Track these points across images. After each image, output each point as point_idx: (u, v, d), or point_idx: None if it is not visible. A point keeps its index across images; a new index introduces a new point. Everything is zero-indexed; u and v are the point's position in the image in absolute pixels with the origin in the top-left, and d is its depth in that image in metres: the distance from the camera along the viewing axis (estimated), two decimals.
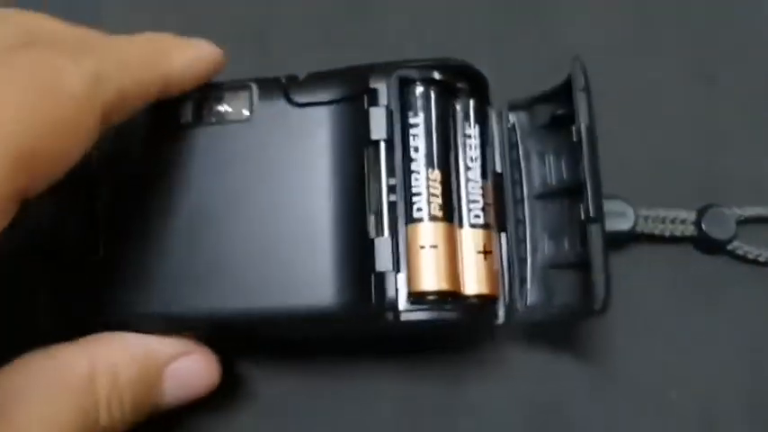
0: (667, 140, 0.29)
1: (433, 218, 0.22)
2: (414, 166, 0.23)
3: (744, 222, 0.28)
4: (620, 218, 0.27)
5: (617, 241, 0.27)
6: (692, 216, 0.28)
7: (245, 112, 0.24)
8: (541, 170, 0.25)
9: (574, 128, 0.22)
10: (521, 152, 0.25)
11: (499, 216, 0.24)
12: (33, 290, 0.24)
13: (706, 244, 0.28)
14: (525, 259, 0.25)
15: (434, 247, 0.22)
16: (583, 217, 0.22)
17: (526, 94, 0.26)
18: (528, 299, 0.24)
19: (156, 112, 0.23)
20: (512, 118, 0.26)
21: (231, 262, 0.23)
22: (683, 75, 0.30)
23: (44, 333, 0.23)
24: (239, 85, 0.24)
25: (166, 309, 0.23)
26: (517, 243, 0.25)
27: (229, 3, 0.31)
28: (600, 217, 0.21)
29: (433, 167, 0.23)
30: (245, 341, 0.27)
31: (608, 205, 0.25)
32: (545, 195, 0.25)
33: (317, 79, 0.24)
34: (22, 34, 0.20)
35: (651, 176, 0.29)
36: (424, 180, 0.23)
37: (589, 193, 0.22)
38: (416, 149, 0.23)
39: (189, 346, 0.23)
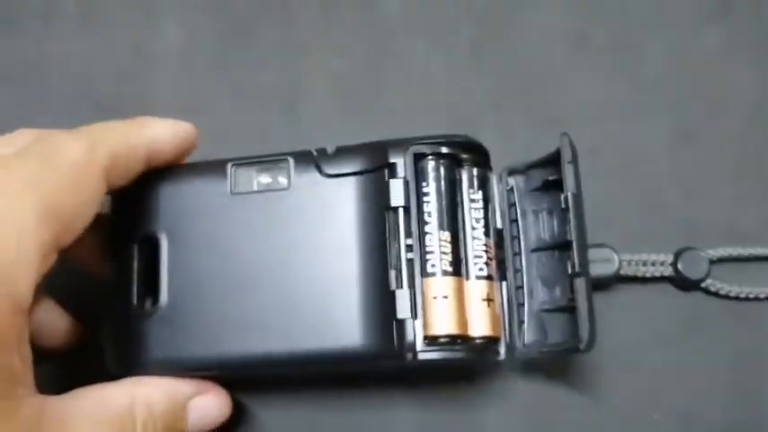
0: (650, 191, 0.33)
1: (444, 272, 0.27)
2: (427, 229, 0.27)
3: (716, 262, 0.31)
4: (606, 263, 0.31)
5: (603, 284, 0.31)
6: (669, 258, 0.31)
7: (284, 183, 0.28)
8: (536, 227, 0.29)
9: (562, 196, 0.26)
10: (518, 211, 0.30)
11: (500, 267, 0.29)
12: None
13: (682, 283, 0.31)
14: (523, 304, 0.29)
15: (446, 297, 0.26)
16: (570, 271, 0.26)
17: (525, 151, 0.30)
18: (525, 338, 0.28)
19: (209, 182, 0.28)
20: (510, 181, 0.30)
21: (273, 311, 0.27)
22: (665, 132, 0.33)
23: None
24: (278, 159, 0.28)
25: (219, 353, 0.27)
26: (515, 290, 0.29)
27: (260, 75, 0.35)
28: (585, 272, 0.26)
29: (444, 229, 0.27)
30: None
31: (595, 253, 0.29)
32: (539, 249, 0.29)
33: (344, 153, 0.28)
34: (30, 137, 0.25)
35: (634, 224, 0.32)
36: (437, 240, 0.27)
37: (575, 251, 0.26)
38: (429, 214, 0.27)
39: (206, 385, 0.27)
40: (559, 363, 0.31)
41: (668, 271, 0.31)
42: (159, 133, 0.28)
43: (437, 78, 0.35)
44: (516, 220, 0.30)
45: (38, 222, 0.22)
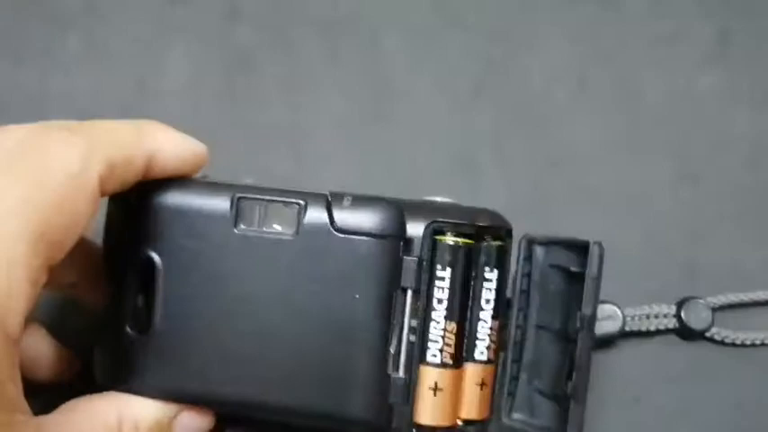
0: (651, 234, 0.33)
1: (443, 365, 0.26)
2: (434, 316, 0.26)
3: (720, 309, 0.31)
4: (610, 320, 0.31)
5: (607, 341, 0.31)
6: (672, 310, 0.31)
7: (292, 230, 0.26)
8: (545, 304, 0.28)
9: (579, 314, 0.25)
10: (531, 283, 0.28)
11: (502, 335, 0.28)
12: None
13: (686, 333, 0.31)
14: (516, 378, 0.29)
15: (441, 390, 0.26)
16: (568, 392, 0.25)
17: (527, 191, 0.31)
18: (512, 413, 0.29)
19: (213, 211, 0.26)
20: (528, 250, 0.28)
21: (268, 359, 0.26)
22: (666, 173, 0.33)
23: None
24: (289, 201, 0.26)
25: (208, 390, 0.27)
26: (512, 362, 0.28)
27: (263, 111, 0.34)
28: (582, 399, 0.25)
29: (451, 320, 0.26)
30: None
31: (601, 310, 0.29)
32: (542, 328, 0.28)
33: (361, 207, 0.26)
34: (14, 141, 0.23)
35: (636, 269, 0.32)
36: (441, 331, 0.26)
37: (576, 377, 0.25)
38: (439, 301, 0.26)
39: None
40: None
41: (672, 323, 0.31)
42: (163, 146, 0.26)
43: (439, 117, 0.35)
44: (528, 292, 0.28)
45: (27, 249, 0.21)
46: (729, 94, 0.34)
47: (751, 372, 0.31)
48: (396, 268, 0.26)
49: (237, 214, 0.26)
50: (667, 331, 0.31)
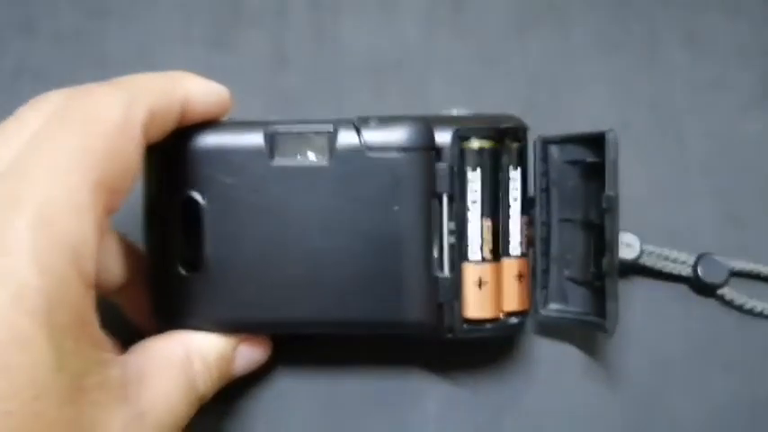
0: None
1: (484, 259, 0.28)
2: (470, 216, 0.28)
3: (736, 275, 0.32)
4: (628, 248, 0.31)
5: (622, 268, 0.30)
6: (691, 259, 0.31)
7: (326, 157, 0.28)
8: (565, 198, 0.30)
9: (604, 195, 0.27)
10: (549, 181, 0.30)
11: (530, 233, 0.30)
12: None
13: (699, 286, 0.32)
14: (547, 270, 0.31)
15: (485, 284, 0.28)
16: (604, 270, 0.28)
17: None
18: (547, 302, 0.31)
19: (248, 147, 0.27)
20: (544, 150, 0.30)
21: (317, 278, 0.28)
22: (711, 217, 0.33)
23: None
24: (319, 131, 0.28)
25: (260, 316, 0.28)
26: (541, 257, 0.31)
27: None
28: (614, 273, 0.27)
29: (486, 216, 0.28)
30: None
31: (620, 236, 0.29)
32: (566, 221, 0.30)
33: (388, 125, 0.27)
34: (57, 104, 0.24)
35: None
36: (478, 228, 0.28)
37: (609, 253, 0.27)
38: (473, 202, 0.28)
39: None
40: (575, 345, 0.32)
41: (687, 271, 0.31)
42: (193, 91, 0.27)
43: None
44: (547, 189, 0.30)
45: (91, 197, 0.22)
46: None
47: (753, 339, 0.32)
48: (429, 177, 0.27)
49: (272, 148, 0.28)
50: (681, 279, 0.32)
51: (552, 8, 0.35)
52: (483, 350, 0.31)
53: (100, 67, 0.35)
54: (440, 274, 0.28)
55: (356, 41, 0.35)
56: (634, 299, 0.32)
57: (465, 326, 0.28)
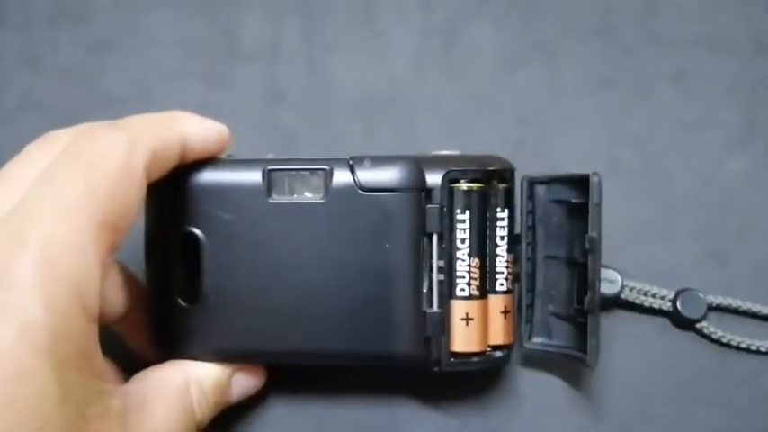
0: None
1: (471, 296, 0.29)
2: (459, 255, 0.29)
3: (715, 309, 0.33)
4: (610, 284, 0.32)
5: (604, 303, 0.31)
6: (670, 294, 0.33)
7: (321, 195, 0.29)
8: (551, 236, 0.32)
9: (587, 237, 0.29)
10: (535, 219, 0.32)
11: (515, 270, 0.31)
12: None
13: (679, 320, 0.33)
14: (532, 305, 0.32)
15: (471, 319, 0.29)
16: (585, 307, 0.29)
17: None
18: (532, 336, 0.32)
19: (245, 184, 0.29)
20: (531, 189, 0.32)
21: (310, 311, 0.29)
22: (694, 255, 0.34)
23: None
24: (315, 168, 0.29)
25: (255, 346, 0.29)
26: (526, 292, 0.32)
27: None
28: (596, 311, 0.28)
29: (474, 256, 0.29)
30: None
31: (602, 272, 0.30)
32: (551, 257, 0.32)
33: (381, 166, 0.29)
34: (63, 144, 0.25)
35: None
36: (467, 267, 0.29)
37: (590, 291, 0.28)
38: (462, 241, 0.29)
39: None
40: (559, 376, 0.33)
41: (666, 306, 0.32)
42: (193, 131, 0.28)
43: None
44: (533, 227, 0.32)
45: (95, 236, 0.23)
46: (755, 176, 0.34)
47: (732, 372, 0.33)
48: (420, 217, 0.29)
49: (269, 185, 0.29)
50: (662, 313, 0.33)
51: (541, 47, 0.36)
52: (469, 382, 0.32)
53: (101, 102, 0.36)
54: (428, 310, 0.29)
55: (348, 78, 0.36)
56: (616, 332, 0.33)
57: (452, 359, 0.29)
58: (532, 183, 0.32)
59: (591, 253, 0.28)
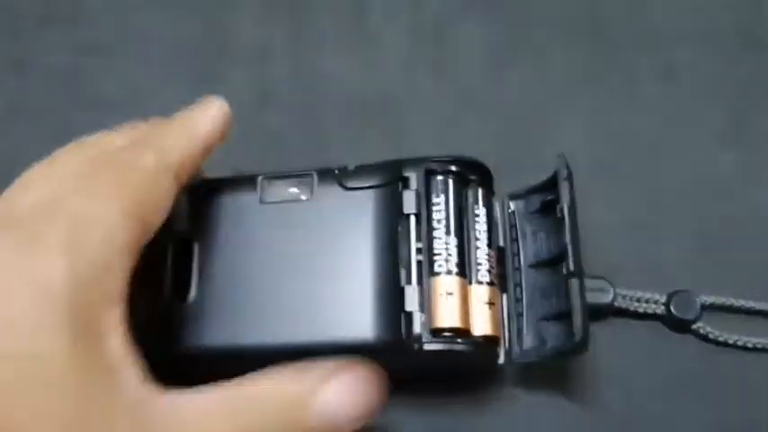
0: None
1: (449, 272, 0.29)
2: (436, 234, 0.30)
3: (708, 308, 0.32)
4: (602, 293, 0.32)
5: (598, 313, 0.32)
6: (663, 298, 0.33)
7: (307, 194, 0.31)
8: (534, 245, 0.32)
9: (558, 207, 0.29)
10: (518, 231, 0.32)
11: (501, 281, 0.31)
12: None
13: (674, 323, 0.33)
14: (522, 314, 0.31)
15: (451, 294, 0.29)
16: (565, 272, 0.28)
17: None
18: (524, 345, 0.31)
19: (241, 193, 0.31)
20: (511, 205, 0.33)
21: (293, 306, 0.29)
22: (685, 251, 0.34)
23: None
24: (304, 174, 0.31)
25: (241, 343, 0.29)
26: (515, 302, 0.31)
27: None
28: (579, 272, 0.28)
29: (450, 235, 0.30)
30: None
31: (592, 283, 0.31)
32: (536, 265, 0.32)
33: (364, 169, 0.31)
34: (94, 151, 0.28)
35: None
36: (443, 244, 0.30)
37: (570, 254, 0.28)
38: (438, 221, 0.30)
39: None
40: (554, 377, 0.32)
41: (660, 309, 0.32)
42: (210, 125, 0.29)
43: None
44: (516, 240, 0.32)
45: (124, 219, 0.25)
46: (745, 171, 0.35)
47: (726, 371, 0.32)
48: (398, 202, 0.30)
49: (263, 191, 0.31)
50: (655, 317, 0.33)
51: (529, 45, 0.37)
52: (463, 385, 0.31)
53: (90, 105, 0.36)
54: (406, 286, 0.29)
55: (337, 80, 0.38)
56: (612, 340, 0.32)
57: (434, 337, 0.28)
58: (513, 197, 0.33)
59: (567, 215, 0.29)
